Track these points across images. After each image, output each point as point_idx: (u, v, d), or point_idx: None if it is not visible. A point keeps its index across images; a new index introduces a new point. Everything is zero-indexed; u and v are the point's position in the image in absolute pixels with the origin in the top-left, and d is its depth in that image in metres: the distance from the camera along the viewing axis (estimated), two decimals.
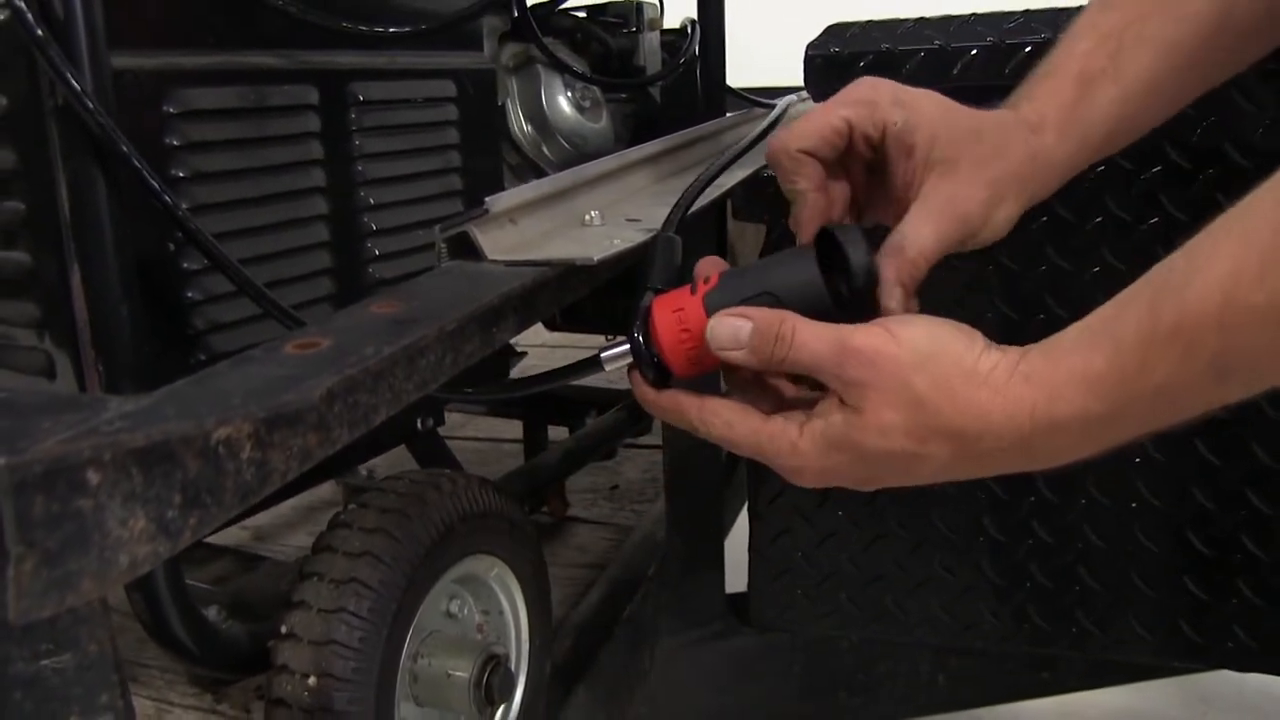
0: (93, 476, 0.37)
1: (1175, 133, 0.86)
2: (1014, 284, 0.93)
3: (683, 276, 0.61)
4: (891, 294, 0.57)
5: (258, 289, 0.65)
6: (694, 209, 0.71)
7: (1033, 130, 0.62)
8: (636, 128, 1.30)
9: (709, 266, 0.59)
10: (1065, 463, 0.50)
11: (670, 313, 0.57)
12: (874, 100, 0.60)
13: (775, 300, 0.55)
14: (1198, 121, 0.86)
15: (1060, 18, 0.88)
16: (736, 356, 0.54)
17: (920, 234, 0.59)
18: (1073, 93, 0.63)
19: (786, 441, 0.54)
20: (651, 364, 0.57)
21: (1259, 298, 0.40)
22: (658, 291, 0.59)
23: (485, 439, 1.57)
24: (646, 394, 0.58)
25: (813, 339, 0.52)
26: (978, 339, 0.51)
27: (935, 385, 0.50)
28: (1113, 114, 0.63)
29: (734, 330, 0.54)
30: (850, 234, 0.56)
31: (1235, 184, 0.85)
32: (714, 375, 0.61)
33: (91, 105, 0.54)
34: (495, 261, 0.64)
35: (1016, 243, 0.91)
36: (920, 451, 0.51)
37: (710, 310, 0.55)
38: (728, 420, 0.56)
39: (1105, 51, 0.63)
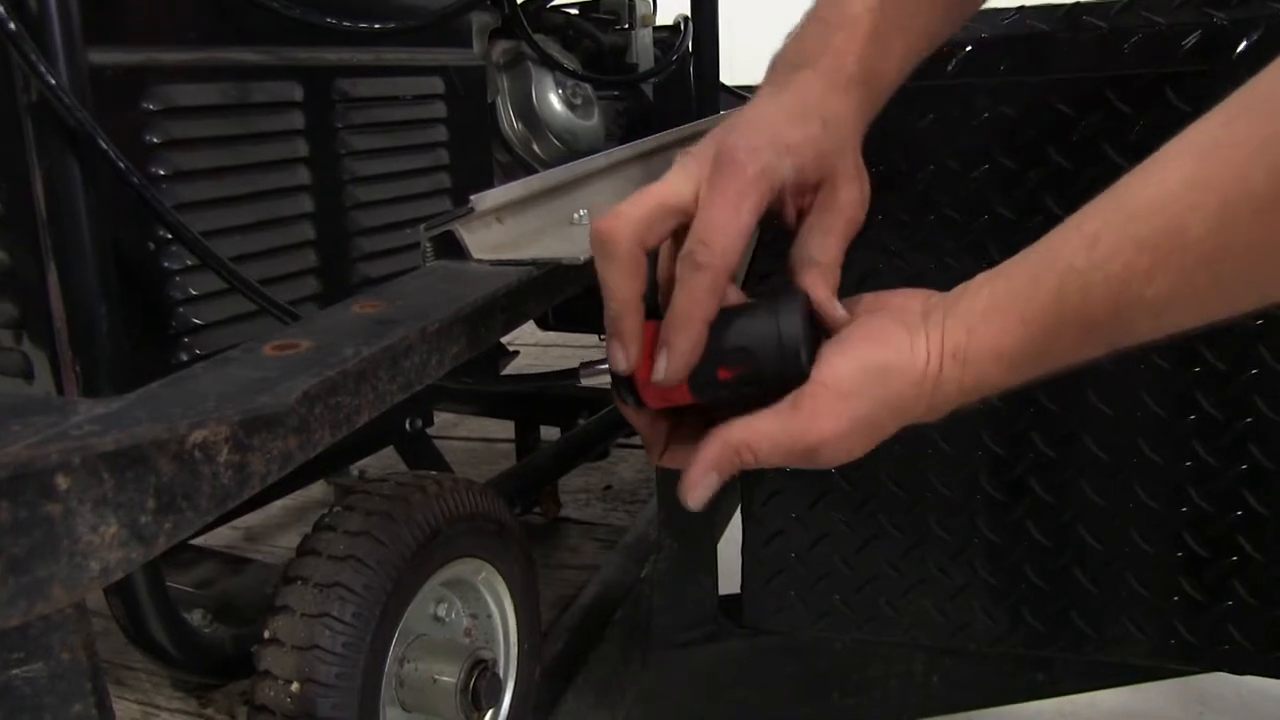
0: (61, 481, 0.36)
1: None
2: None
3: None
4: (834, 308, 0.59)
5: (246, 281, 0.64)
6: None
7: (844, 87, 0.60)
8: (629, 125, 1.29)
9: None
10: None
11: (650, 350, 0.57)
12: (770, 178, 0.56)
13: (751, 358, 0.56)
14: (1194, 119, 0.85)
15: (1053, 15, 0.87)
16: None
17: (828, 248, 0.60)
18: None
19: (820, 444, 0.56)
20: (630, 390, 0.58)
21: (1149, 293, 0.46)
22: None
23: (477, 439, 1.56)
24: (630, 416, 0.61)
25: (764, 441, 0.56)
26: (907, 344, 0.54)
27: (883, 410, 0.55)
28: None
29: (709, 486, 0.58)
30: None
31: None
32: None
33: (67, 101, 0.53)
34: (481, 261, 0.63)
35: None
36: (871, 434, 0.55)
37: (717, 352, 0.56)
38: (756, 444, 0.58)
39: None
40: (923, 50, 0.65)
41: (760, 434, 0.55)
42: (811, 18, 0.61)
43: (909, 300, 0.57)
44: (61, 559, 0.36)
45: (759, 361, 0.56)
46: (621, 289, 0.55)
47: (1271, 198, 0.41)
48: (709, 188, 0.55)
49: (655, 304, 0.59)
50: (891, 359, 0.54)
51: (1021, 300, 0.51)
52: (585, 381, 0.60)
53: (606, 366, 0.58)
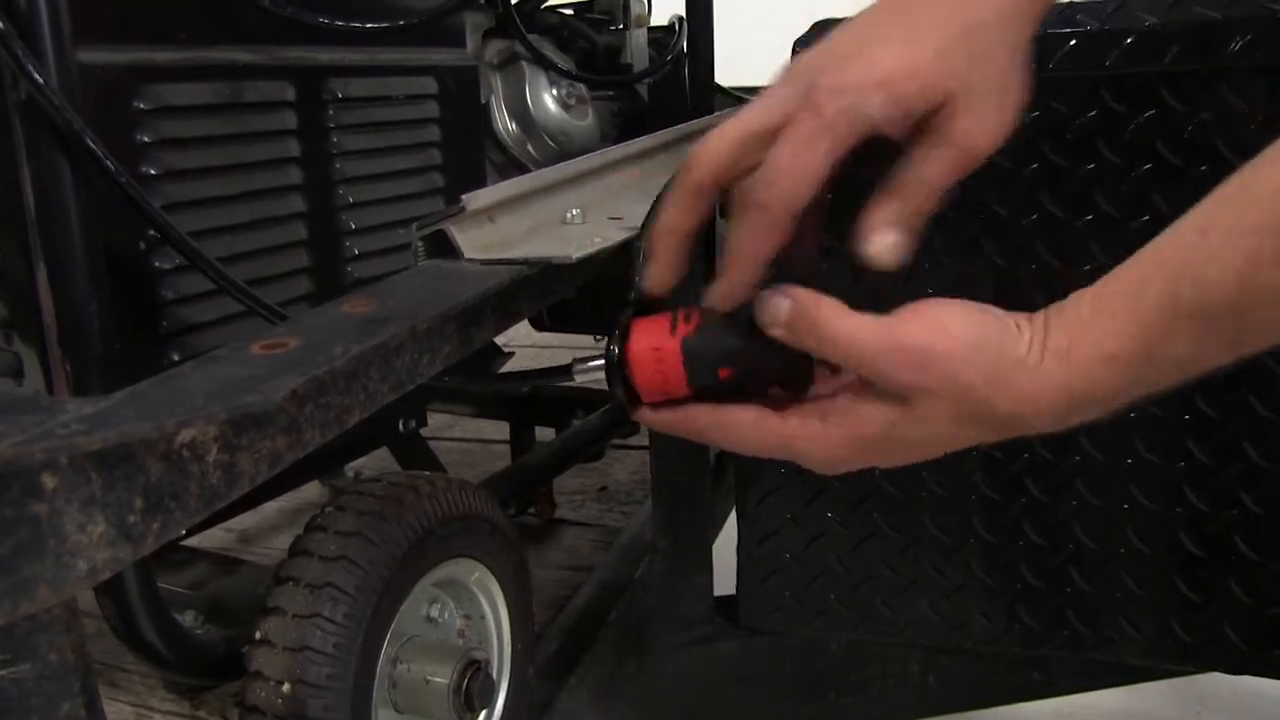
0: (48, 480, 0.36)
1: (1164, 129, 0.85)
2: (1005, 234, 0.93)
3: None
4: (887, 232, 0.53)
5: (232, 281, 0.64)
6: None
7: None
8: (623, 125, 1.29)
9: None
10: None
11: (649, 349, 0.56)
12: (852, 121, 0.51)
13: (752, 356, 0.55)
14: (1189, 118, 0.85)
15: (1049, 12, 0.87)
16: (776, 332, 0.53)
17: (913, 192, 0.53)
18: None
19: (816, 439, 0.54)
20: (624, 386, 0.57)
21: (1277, 280, 0.42)
22: (638, 307, 0.58)
23: (472, 440, 1.56)
24: (645, 414, 0.58)
25: (858, 330, 0.50)
26: (1010, 322, 0.50)
27: (986, 378, 0.49)
28: None
29: (775, 308, 0.53)
30: None
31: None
32: None
33: (56, 102, 0.53)
34: (472, 260, 0.63)
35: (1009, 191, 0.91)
36: (958, 433, 0.51)
37: (688, 359, 0.55)
38: (747, 426, 0.55)
39: None
40: None
41: (851, 322, 0.50)
42: None
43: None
44: (48, 558, 0.36)
45: (761, 360, 0.55)
46: (671, 218, 0.54)
47: None
48: (788, 124, 0.52)
49: (646, 299, 0.59)
50: (994, 332, 0.49)
51: (1132, 299, 0.47)
52: (579, 379, 0.59)
53: (599, 364, 0.58)
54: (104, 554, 0.38)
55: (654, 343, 0.55)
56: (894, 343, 0.50)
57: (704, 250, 1.06)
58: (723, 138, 0.54)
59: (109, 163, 0.55)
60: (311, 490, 1.33)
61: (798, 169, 0.51)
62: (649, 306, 0.59)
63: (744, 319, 0.55)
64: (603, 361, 0.57)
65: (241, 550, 1.25)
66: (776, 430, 0.54)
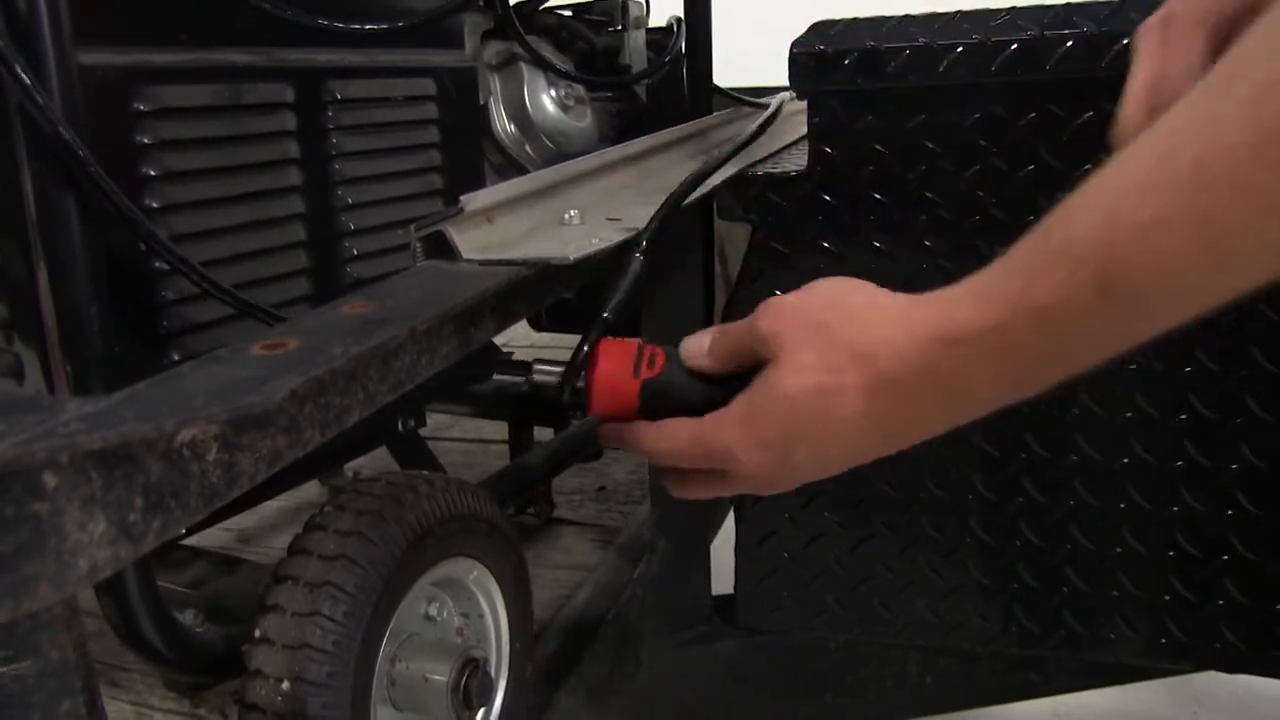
0: (49, 479, 0.36)
1: None
2: None
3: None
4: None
5: (219, 286, 0.65)
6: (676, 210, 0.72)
7: None
8: (622, 127, 1.29)
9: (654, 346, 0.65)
10: (982, 405, 0.52)
11: (608, 386, 0.63)
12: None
13: (703, 409, 0.61)
14: None
15: (1044, 16, 0.88)
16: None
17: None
18: None
19: (718, 428, 0.59)
20: (582, 402, 0.65)
21: (1141, 215, 0.42)
22: (607, 326, 0.66)
23: (472, 440, 1.57)
24: (605, 431, 0.66)
25: (729, 332, 0.60)
26: (880, 288, 0.55)
27: (840, 313, 0.54)
28: None
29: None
30: None
31: None
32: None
33: (62, 128, 0.53)
34: (470, 261, 0.63)
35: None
36: (833, 382, 0.54)
37: (643, 404, 0.63)
38: (674, 433, 0.61)
39: None
40: None
41: (725, 336, 0.62)
42: None
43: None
44: (49, 557, 0.36)
45: (712, 409, 0.60)
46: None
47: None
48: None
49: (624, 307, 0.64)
50: (855, 282, 0.56)
51: (1007, 252, 0.49)
52: (537, 379, 0.64)
53: (559, 370, 0.65)
54: (105, 552, 0.39)
55: (615, 380, 0.62)
56: (765, 303, 0.58)
57: (703, 257, 1.07)
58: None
59: (90, 166, 0.55)
60: (311, 490, 1.33)
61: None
62: (613, 330, 0.66)
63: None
64: (561, 369, 0.65)
65: (241, 550, 1.25)
66: (692, 428, 0.60)
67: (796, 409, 0.55)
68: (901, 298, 0.53)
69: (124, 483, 0.39)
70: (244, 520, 1.30)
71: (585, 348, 0.65)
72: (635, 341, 0.65)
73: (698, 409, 0.61)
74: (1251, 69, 0.40)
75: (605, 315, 0.66)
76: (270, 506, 1.31)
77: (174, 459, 0.41)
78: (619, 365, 0.63)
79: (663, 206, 0.73)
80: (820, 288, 0.57)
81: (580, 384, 0.65)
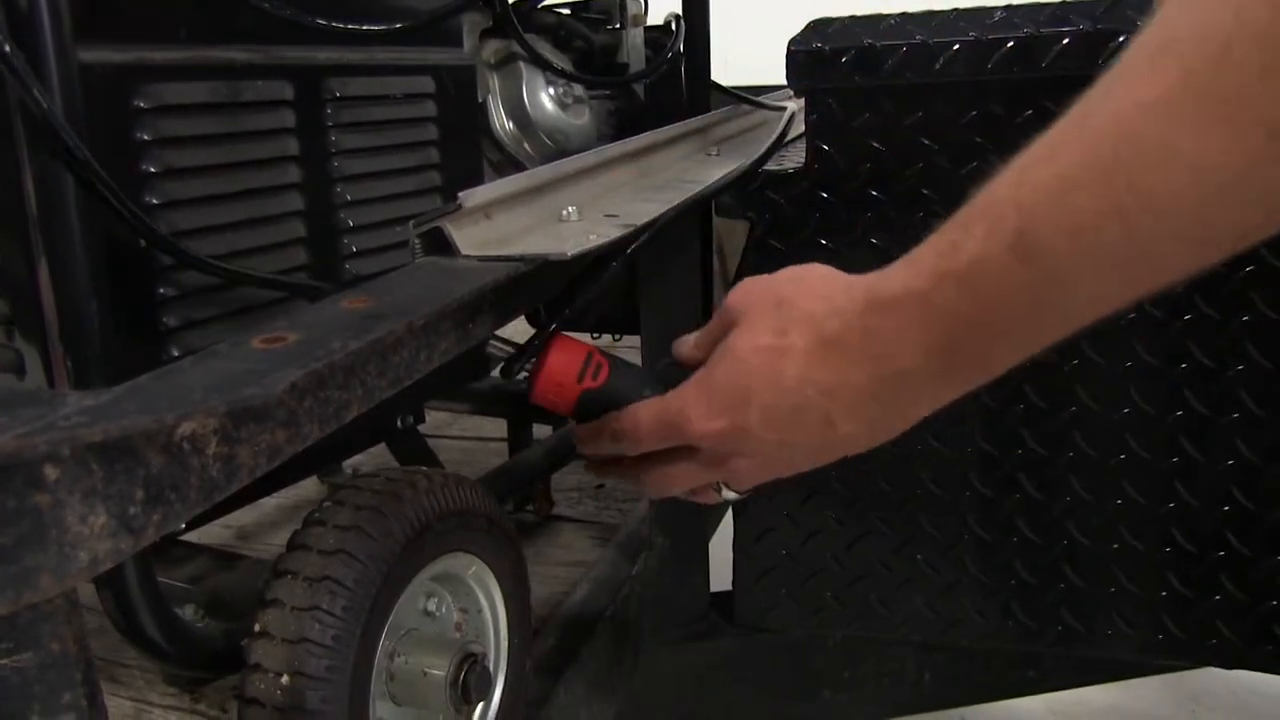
0: (50, 472, 0.37)
1: None
2: None
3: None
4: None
5: (231, 271, 0.65)
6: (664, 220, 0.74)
7: None
8: (620, 125, 1.30)
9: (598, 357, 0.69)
10: (917, 376, 0.52)
11: (554, 383, 0.68)
12: None
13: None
14: None
15: (1040, 14, 0.88)
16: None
17: None
18: None
19: (678, 397, 0.61)
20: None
21: (1047, 172, 0.43)
22: (558, 327, 0.71)
23: (471, 437, 1.57)
24: (576, 431, 0.69)
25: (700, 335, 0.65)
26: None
27: (799, 285, 0.57)
28: None
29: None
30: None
31: None
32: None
33: (60, 127, 0.54)
34: (469, 257, 0.64)
35: None
36: (782, 343, 0.56)
37: (578, 409, 0.68)
38: (635, 411, 0.64)
39: None
40: None
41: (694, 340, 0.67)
42: None
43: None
44: (50, 549, 0.37)
45: None
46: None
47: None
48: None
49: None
50: (820, 265, 0.60)
51: (935, 231, 0.50)
52: (491, 350, 0.69)
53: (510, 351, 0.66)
54: (105, 545, 0.39)
55: (560, 379, 0.67)
56: (738, 284, 0.61)
57: (702, 254, 1.07)
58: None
59: (83, 155, 0.56)
60: (309, 487, 1.34)
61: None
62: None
63: (640, 384, 0.67)
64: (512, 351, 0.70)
65: (239, 546, 1.25)
66: (655, 406, 0.63)
67: (749, 370, 0.57)
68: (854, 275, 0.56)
69: (125, 476, 0.39)
70: (243, 517, 1.30)
71: (538, 340, 0.69)
72: (588, 346, 0.69)
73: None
74: (1165, 26, 0.40)
75: (566, 312, 0.70)
76: (269, 503, 1.31)
77: (174, 452, 0.41)
78: (566, 366, 0.68)
79: (669, 210, 0.75)
80: (789, 268, 0.60)
81: (525, 371, 0.70)
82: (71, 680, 0.43)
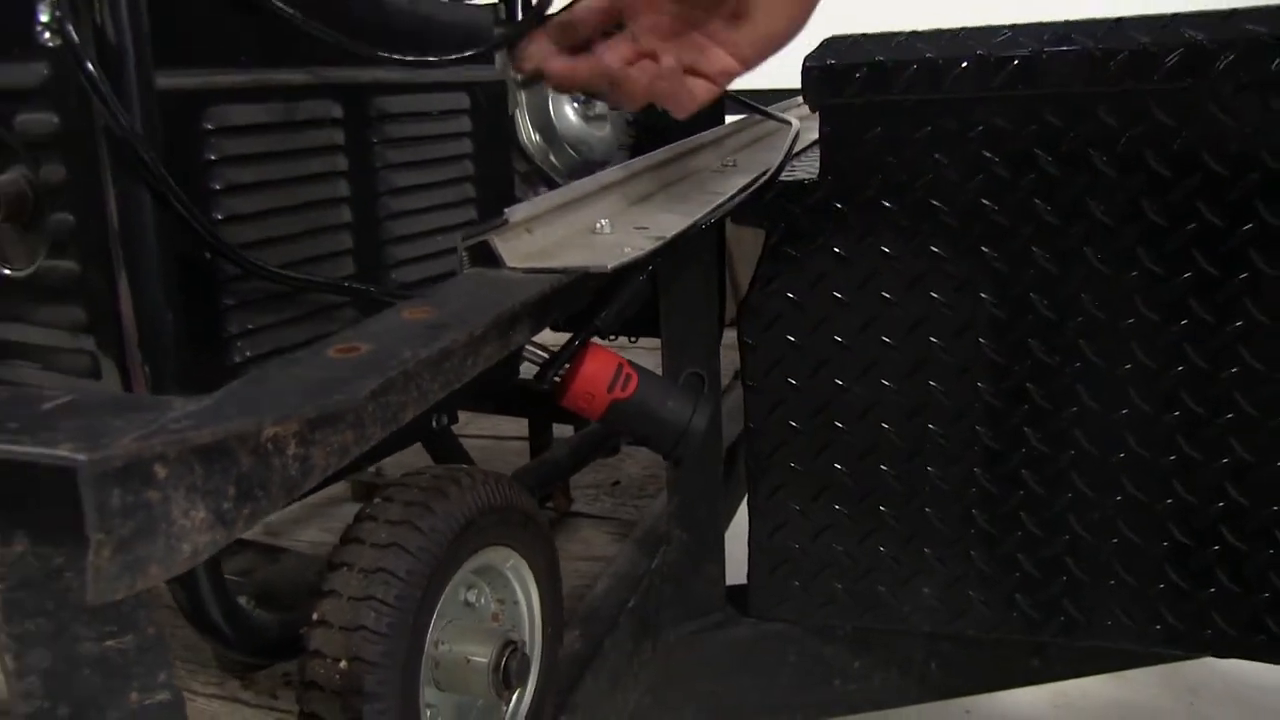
0: (160, 470, 0.40)
1: (1155, 142, 0.90)
2: (1004, 285, 0.97)
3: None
4: None
5: (300, 279, 0.68)
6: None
7: None
8: (638, 136, 1.33)
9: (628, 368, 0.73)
10: None
11: (584, 392, 0.72)
12: None
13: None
14: (1177, 132, 0.90)
15: (1044, 33, 0.92)
16: None
17: None
18: None
19: None
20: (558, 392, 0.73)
21: None
22: (595, 332, 0.75)
23: (489, 436, 1.60)
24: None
25: None
26: None
27: None
28: None
29: None
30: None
31: (1214, 191, 0.89)
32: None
33: (145, 156, 0.58)
34: (514, 269, 0.68)
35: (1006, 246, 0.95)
36: None
37: (606, 418, 0.72)
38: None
39: None
40: None
41: None
42: None
43: None
44: (159, 540, 0.40)
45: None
46: None
47: None
48: None
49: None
50: None
51: None
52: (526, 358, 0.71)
53: (544, 357, 0.73)
54: (204, 537, 0.43)
55: (592, 387, 0.71)
56: None
57: (716, 257, 1.11)
58: None
59: (186, 203, 0.60)
60: (333, 486, 1.37)
61: None
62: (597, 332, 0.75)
63: (665, 396, 0.71)
64: (547, 356, 0.74)
65: (270, 541, 1.28)
66: None
67: None
68: None
69: (220, 474, 0.43)
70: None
71: (572, 345, 0.73)
72: (619, 358, 0.73)
73: (648, 439, 0.73)
74: None
75: (596, 322, 0.72)
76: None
77: (261, 453, 0.45)
78: (597, 375, 0.72)
79: (692, 225, 0.78)
80: None
81: (558, 376, 0.74)
82: (165, 661, 0.47)
